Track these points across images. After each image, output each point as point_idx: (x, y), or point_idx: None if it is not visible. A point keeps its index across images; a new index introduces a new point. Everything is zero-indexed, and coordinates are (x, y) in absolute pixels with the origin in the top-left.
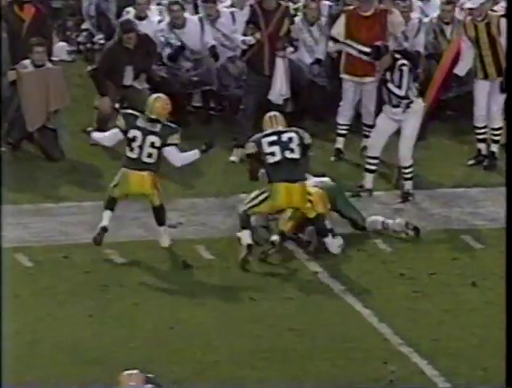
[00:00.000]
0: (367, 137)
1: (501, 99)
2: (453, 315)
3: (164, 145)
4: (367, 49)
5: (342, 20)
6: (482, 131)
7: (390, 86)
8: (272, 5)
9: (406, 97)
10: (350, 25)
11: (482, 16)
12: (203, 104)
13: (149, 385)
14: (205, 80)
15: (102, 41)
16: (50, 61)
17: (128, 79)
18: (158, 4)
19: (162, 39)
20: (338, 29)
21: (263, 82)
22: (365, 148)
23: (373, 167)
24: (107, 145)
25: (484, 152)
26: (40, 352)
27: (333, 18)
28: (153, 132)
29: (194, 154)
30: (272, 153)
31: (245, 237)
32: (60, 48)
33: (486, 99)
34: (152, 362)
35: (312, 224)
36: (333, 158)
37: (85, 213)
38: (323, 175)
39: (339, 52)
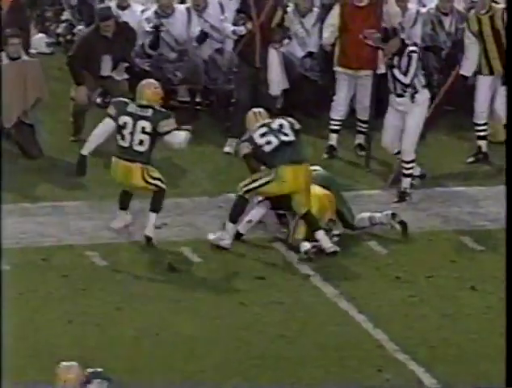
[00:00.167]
0: (361, 133)
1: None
2: (451, 321)
3: (155, 130)
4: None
5: (335, 11)
6: (482, 128)
7: (396, 72)
8: None
9: (411, 86)
10: (345, 16)
11: (485, 8)
12: (189, 99)
13: (98, 380)
14: (191, 77)
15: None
16: (27, 53)
17: (105, 69)
18: None
19: (147, 27)
20: (332, 20)
21: (255, 75)
22: (359, 145)
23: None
24: (102, 141)
25: (484, 149)
26: (17, 359)
27: (326, 9)
28: (143, 117)
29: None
30: (268, 142)
31: (229, 234)
32: (39, 40)
33: (488, 95)
34: (135, 370)
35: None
36: (325, 156)
37: (64, 214)
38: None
39: (333, 45)
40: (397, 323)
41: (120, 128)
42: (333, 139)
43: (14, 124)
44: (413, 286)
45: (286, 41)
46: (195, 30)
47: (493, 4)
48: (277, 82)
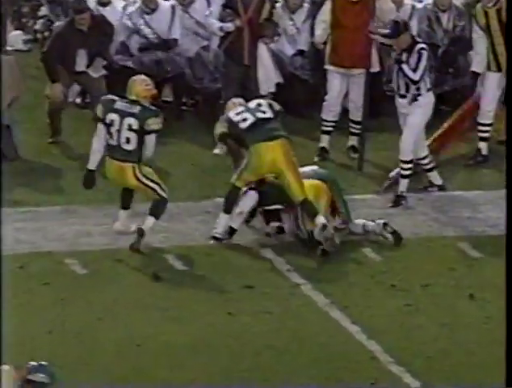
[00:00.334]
0: (354, 134)
1: None
2: (449, 331)
3: (142, 128)
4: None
5: (327, 6)
6: (487, 129)
7: (405, 67)
8: None
9: (418, 83)
10: (337, 12)
11: (493, 1)
12: (174, 99)
13: (40, 375)
14: (175, 77)
15: None
16: (3, 50)
17: (80, 65)
18: None
19: (129, 24)
20: (324, 16)
21: (243, 73)
22: (352, 147)
23: (428, 166)
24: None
25: (484, 152)
26: None
27: (317, 5)
28: (130, 114)
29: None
30: (244, 119)
31: (221, 224)
32: (15, 37)
33: (497, 93)
34: (117, 382)
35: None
36: (317, 158)
37: (42, 219)
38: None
39: (325, 43)
40: (392, 334)
41: (108, 126)
42: (325, 141)
43: None
44: (409, 295)
45: (275, 38)
46: (176, 31)
47: None
48: (266, 80)
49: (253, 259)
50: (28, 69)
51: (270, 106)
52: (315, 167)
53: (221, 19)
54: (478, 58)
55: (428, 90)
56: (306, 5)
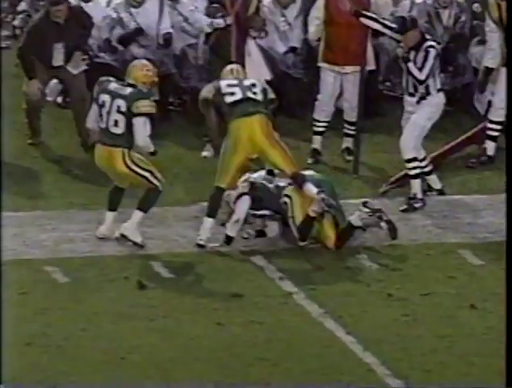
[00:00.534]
0: (349, 136)
1: None
2: (449, 342)
3: (130, 110)
4: (392, 25)
5: (320, 2)
6: (496, 127)
7: (411, 66)
8: None
9: (425, 83)
10: (330, 7)
11: None
12: (160, 98)
13: None
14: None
15: None
16: None
17: (58, 59)
18: None
19: (115, 15)
20: (317, 13)
21: None
22: (347, 149)
23: (427, 169)
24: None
25: (490, 152)
26: None
27: (309, 0)
28: (121, 96)
29: (149, 147)
30: (232, 93)
31: (205, 229)
32: None
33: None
34: None
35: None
36: (309, 160)
37: (21, 225)
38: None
39: (319, 40)
40: (389, 345)
41: (100, 108)
42: (318, 142)
43: None
44: (407, 304)
45: (262, 34)
46: (167, 25)
47: None
48: (255, 77)
49: (243, 267)
50: (7, 67)
51: (264, 90)
52: (311, 172)
53: (208, 15)
54: (491, 53)
55: (438, 90)
56: (298, 0)
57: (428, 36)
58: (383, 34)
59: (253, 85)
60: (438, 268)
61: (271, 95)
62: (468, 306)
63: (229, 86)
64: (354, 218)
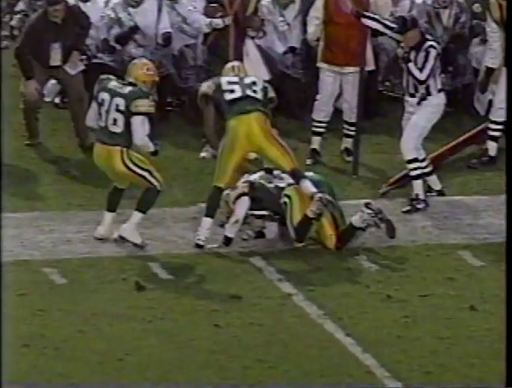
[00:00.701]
0: (348, 136)
1: None
2: (448, 344)
3: (128, 109)
4: (393, 25)
5: (320, 2)
6: (498, 127)
7: (411, 66)
8: None
9: (425, 84)
10: (329, 7)
11: None
12: (158, 99)
13: None
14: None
15: None
16: None
17: (55, 59)
18: None
19: (113, 15)
20: (316, 13)
21: None
22: (346, 150)
23: (427, 169)
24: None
25: (491, 153)
26: None
27: (308, 0)
28: (120, 94)
29: (148, 146)
30: (231, 91)
31: (204, 229)
32: None
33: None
34: None
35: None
36: (308, 161)
37: (19, 226)
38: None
39: (318, 40)
40: (389, 347)
41: (99, 106)
42: (317, 143)
43: None
44: (407, 306)
45: (260, 34)
46: (166, 24)
47: None
48: (262, 74)
49: (242, 268)
50: (5, 68)
51: (265, 89)
52: (310, 173)
53: (206, 14)
54: (492, 53)
55: (439, 90)
56: (297, 0)
57: (428, 36)
58: (382, 34)
59: (254, 83)
60: (437, 270)
61: (271, 94)
62: (468, 308)
63: (230, 83)
64: (356, 219)
